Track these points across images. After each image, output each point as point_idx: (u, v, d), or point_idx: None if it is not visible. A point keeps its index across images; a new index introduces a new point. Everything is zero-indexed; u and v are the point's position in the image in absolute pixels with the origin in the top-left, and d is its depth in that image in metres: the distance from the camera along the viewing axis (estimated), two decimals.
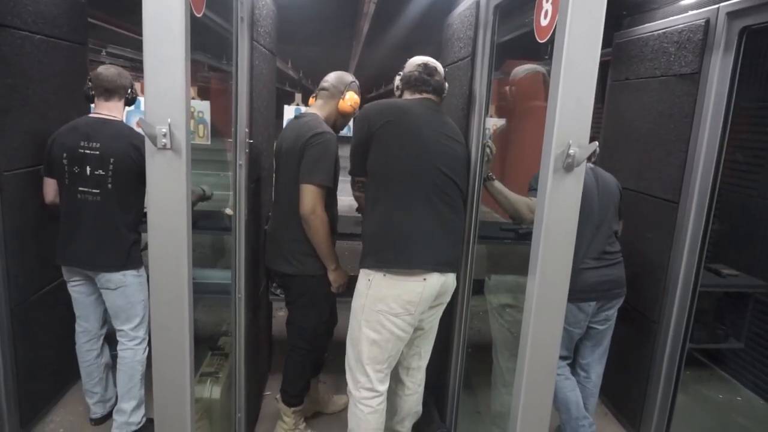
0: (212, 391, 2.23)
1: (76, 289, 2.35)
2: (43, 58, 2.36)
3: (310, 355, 2.45)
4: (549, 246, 1.44)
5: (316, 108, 2.35)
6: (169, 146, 1.27)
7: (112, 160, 2.17)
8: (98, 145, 2.17)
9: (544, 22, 1.55)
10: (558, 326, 1.51)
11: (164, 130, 1.25)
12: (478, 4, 2.15)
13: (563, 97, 1.34)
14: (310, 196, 2.12)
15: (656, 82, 2.62)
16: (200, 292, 2.75)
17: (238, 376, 2.29)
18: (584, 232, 2.29)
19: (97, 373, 2.44)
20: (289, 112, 4.10)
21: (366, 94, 18.55)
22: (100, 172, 2.17)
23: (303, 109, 2.49)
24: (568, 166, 1.37)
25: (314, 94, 2.42)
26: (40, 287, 2.49)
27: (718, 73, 2.25)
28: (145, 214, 2.13)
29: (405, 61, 2.20)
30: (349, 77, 2.40)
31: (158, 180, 1.30)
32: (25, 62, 2.25)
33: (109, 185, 2.19)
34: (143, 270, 2.34)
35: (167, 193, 1.31)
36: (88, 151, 2.18)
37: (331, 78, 2.38)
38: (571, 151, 1.35)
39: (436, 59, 2.15)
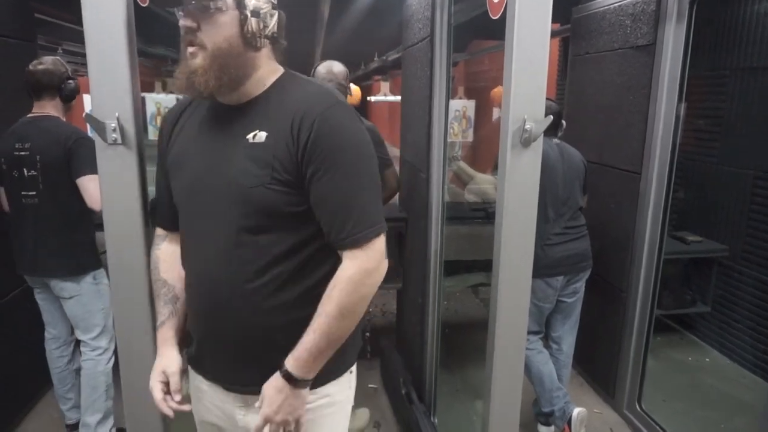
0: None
1: (40, 296, 2.28)
2: None
3: None
4: (511, 220, 1.45)
5: None
6: (120, 141, 1.24)
7: (38, 158, 2.07)
8: (29, 145, 2.07)
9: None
10: (525, 300, 1.54)
11: (113, 124, 1.22)
12: None
13: (516, 73, 1.35)
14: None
15: (615, 55, 2.65)
16: None
17: None
18: (549, 209, 2.32)
19: (69, 379, 2.38)
20: None
21: None
22: (33, 173, 2.07)
23: None
24: (525, 141, 1.39)
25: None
26: (4, 294, 2.42)
27: (672, 44, 2.29)
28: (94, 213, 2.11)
29: (371, 46, 2.20)
30: (341, 66, 2.28)
31: (110, 176, 1.27)
32: None
33: (41, 185, 2.09)
34: (102, 275, 2.24)
35: (120, 190, 1.28)
36: (21, 153, 2.08)
37: (330, 76, 2.22)
38: (527, 126, 1.37)
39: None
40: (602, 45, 2.76)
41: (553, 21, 3.84)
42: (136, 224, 1.30)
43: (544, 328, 2.50)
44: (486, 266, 3.46)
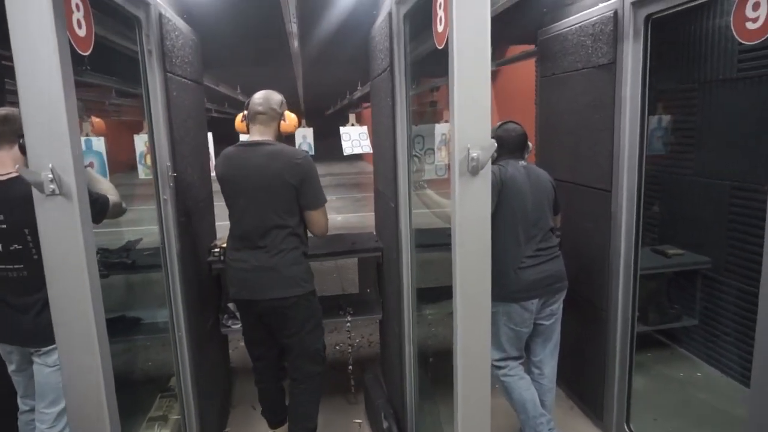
0: None
1: (18, 370, 2.10)
2: None
3: (322, 379, 2.42)
4: (465, 249, 1.44)
5: (259, 134, 2.24)
6: (57, 192, 1.22)
7: (27, 231, 1.82)
8: (1, 217, 1.82)
9: (440, 28, 1.56)
10: (485, 327, 1.51)
11: (50, 175, 1.20)
12: (390, 15, 2.17)
13: (459, 102, 1.35)
14: (324, 216, 2.28)
15: (579, 74, 2.67)
16: (148, 332, 2.67)
17: (188, 417, 2.22)
18: (520, 232, 2.30)
19: None
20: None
21: (325, 111, 18.55)
22: (17, 246, 1.83)
23: (243, 137, 2.37)
24: (473, 170, 1.38)
25: (243, 117, 2.32)
26: None
27: (632, 61, 2.31)
28: None
29: (356, 76, 2.25)
30: (277, 96, 2.32)
31: (51, 229, 1.25)
32: None
33: (34, 256, 1.85)
34: None
35: (62, 243, 1.25)
36: None
37: (263, 100, 2.26)
38: (473, 155, 1.36)
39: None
40: (567, 65, 2.78)
41: (526, 43, 3.90)
42: (80, 276, 1.28)
43: (524, 353, 2.45)
44: None
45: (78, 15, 1.35)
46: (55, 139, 1.21)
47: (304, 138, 5.57)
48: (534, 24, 3.18)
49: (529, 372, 2.48)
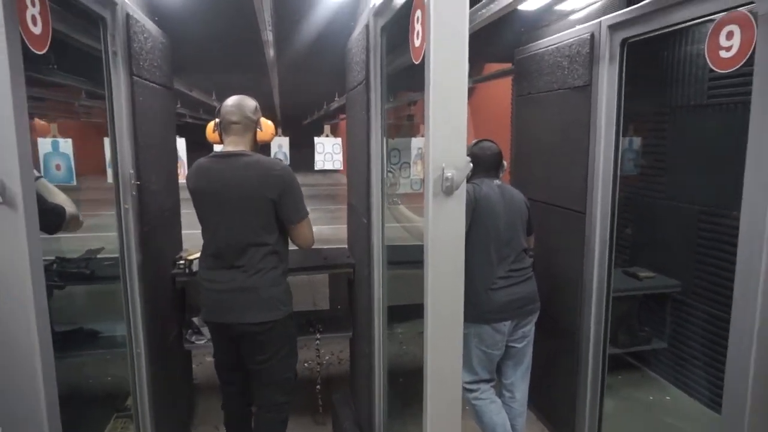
0: None
1: None
2: None
3: (288, 411, 2.26)
4: (438, 270, 1.39)
5: (233, 145, 2.10)
6: (1, 200, 1.13)
7: None
8: None
9: (417, 43, 1.52)
10: (457, 349, 1.46)
11: None
12: (368, 27, 2.13)
13: (434, 120, 1.31)
14: (308, 228, 2.15)
15: (555, 95, 2.68)
16: (107, 346, 2.54)
17: None
18: (492, 252, 2.27)
19: None
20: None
21: (302, 121, 18.43)
22: None
23: (217, 147, 2.24)
24: (448, 190, 1.33)
25: (215, 127, 2.17)
26: None
27: (607, 84, 2.32)
28: None
29: (333, 87, 2.14)
30: (251, 102, 2.17)
31: None
32: None
33: None
34: None
35: (6, 254, 1.16)
36: None
37: (236, 108, 2.11)
38: (448, 174, 1.32)
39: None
40: (543, 85, 2.79)
41: (503, 61, 3.90)
42: (24, 289, 1.19)
43: (495, 375, 2.41)
44: None
45: (33, 11, 1.26)
46: (1, 145, 1.12)
47: (280, 147, 5.49)
48: (511, 43, 3.19)
49: (500, 395, 2.43)
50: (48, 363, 1.25)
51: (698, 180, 3.06)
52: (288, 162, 5.37)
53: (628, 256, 3.61)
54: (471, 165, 1.32)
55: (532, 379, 2.54)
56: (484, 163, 2.42)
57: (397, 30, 2.00)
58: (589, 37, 2.37)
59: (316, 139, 5.02)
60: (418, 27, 1.51)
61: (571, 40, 2.50)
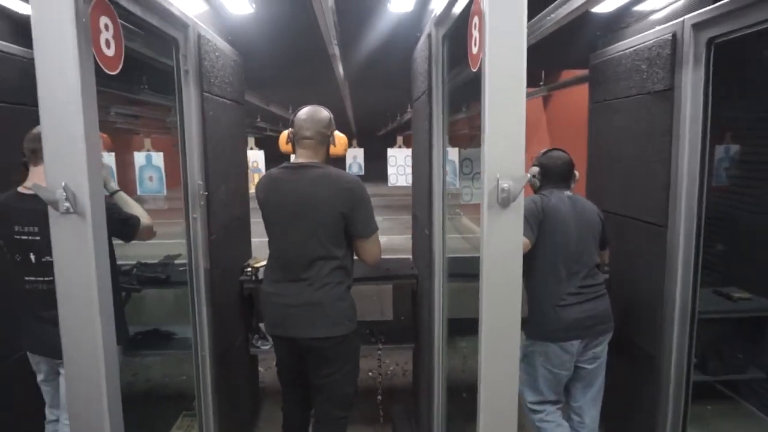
0: None
1: (47, 380, 2.13)
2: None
3: (346, 426, 2.23)
4: (492, 284, 1.32)
5: (305, 157, 2.08)
6: (72, 210, 1.21)
7: None
8: (37, 230, 1.82)
9: (474, 50, 1.47)
10: (512, 368, 1.37)
11: (63, 194, 1.19)
12: (430, 36, 2.10)
13: (490, 128, 1.25)
14: (377, 244, 2.11)
15: (632, 101, 2.51)
16: (180, 347, 2.65)
17: None
18: (561, 267, 2.15)
19: None
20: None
21: (377, 132, 18.67)
22: (49, 258, 1.72)
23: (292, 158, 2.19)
24: (504, 201, 1.27)
25: (289, 137, 2.12)
26: (11, 353, 2.43)
27: (691, 88, 2.13)
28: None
29: (406, 97, 2.07)
30: (325, 113, 2.12)
31: (63, 247, 1.23)
32: None
33: None
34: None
35: (74, 261, 1.24)
36: (25, 237, 1.84)
37: (310, 123, 2.07)
38: (504, 185, 1.25)
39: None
40: (620, 91, 2.62)
41: (580, 67, 3.74)
42: (90, 294, 1.25)
43: (563, 397, 2.27)
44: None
45: (107, 35, 1.35)
46: (71, 158, 1.20)
47: (355, 158, 5.58)
48: (587, 47, 3.03)
49: (568, 419, 2.29)
50: (112, 365, 1.31)
51: None
52: (362, 173, 5.44)
53: (722, 275, 3.30)
54: (528, 176, 1.25)
55: (607, 405, 2.36)
56: (553, 173, 2.31)
57: (460, 38, 1.96)
58: (670, 38, 2.19)
59: (389, 151, 5.03)
60: (475, 34, 1.46)
61: (651, 41, 2.33)
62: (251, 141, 3.74)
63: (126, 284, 2.51)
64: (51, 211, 1.22)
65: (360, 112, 8.85)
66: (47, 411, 2.24)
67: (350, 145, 5.98)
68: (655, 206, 2.34)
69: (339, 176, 2.04)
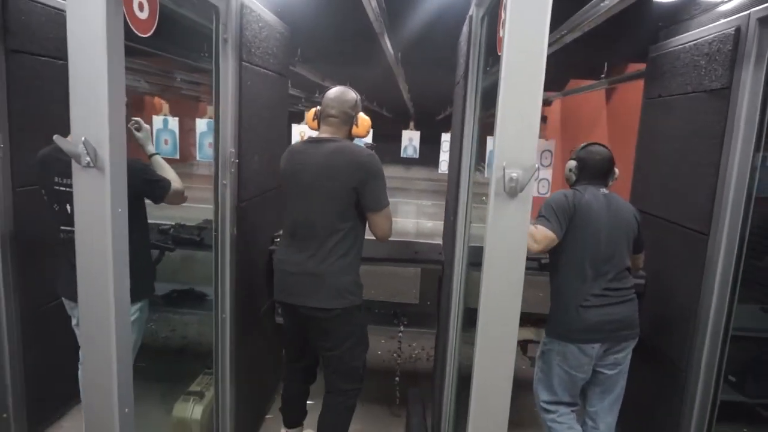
0: (193, 411, 2.22)
1: (75, 322, 2.25)
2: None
3: (356, 398, 2.28)
4: (493, 274, 1.29)
5: (327, 133, 2.14)
6: (92, 164, 1.27)
7: None
8: (71, 181, 1.99)
9: (501, 33, 1.42)
10: (508, 363, 1.35)
11: (83, 148, 1.25)
12: (471, 17, 2.04)
13: (503, 115, 1.21)
14: (387, 219, 2.13)
15: (687, 98, 2.36)
16: (210, 308, 2.76)
17: (222, 397, 2.26)
18: (588, 267, 2.07)
19: None
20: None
21: (436, 116, 18.44)
22: None
23: (312, 133, 2.26)
24: (511, 191, 1.23)
25: (314, 118, 2.21)
26: (53, 298, 2.62)
27: (750, 88, 1.98)
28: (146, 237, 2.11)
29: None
30: (351, 94, 2.19)
31: (83, 199, 1.30)
32: (45, 86, 2.41)
33: None
34: (147, 306, 2.13)
35: (92, 214, 1.30)
36: (63, 189, 1.93)
37: (336, 102, 2.14)
38: (513, 175, 1.22)
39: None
40: (675, 87, 2.47)
41: (638, 60, 3.53)
42: (105, 246, 1.32)
43: (578, 400, 2.20)
44: (538, 321, 3.18)
45: None
46: (94, 114, 1.26)
47: (411, 141, 5.54)
48: (650, 39, 2.87)
49: (582, 423, 2.23)
50: (122, 315, 1.38)
51: None
52: (417, 156, 5.39)
53: None
54: (537, 167, 1.21)
55: (627, 414, 2.28)
56: (591, 168, 2.21)
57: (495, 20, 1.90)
58: (733, 32, 2.04)
59: (444, 136, 4.96)
60: (503, 15, 1.41)
61: (712, 35, 2.18)
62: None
63: (161, 242, 2.64)
64: (73, 164, 1.28)
65: (417, 95, 8.75)
66: (81, 354, 2.40)
67: (407, 127, 5.92)
68: (698, 212, 2.21)
69: (354, 150, 2.09)
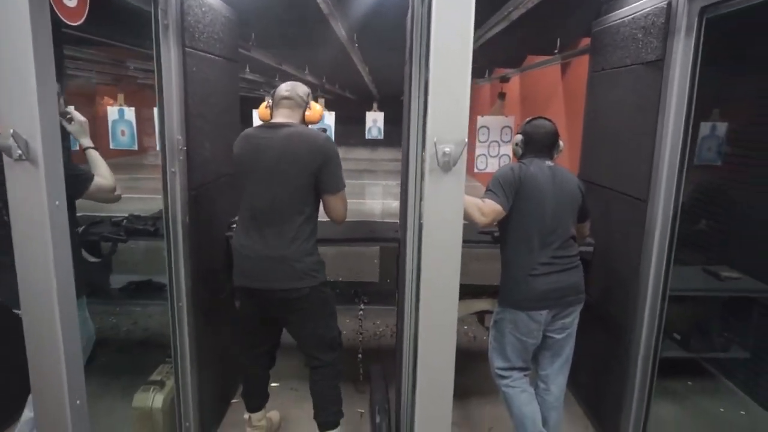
0: (154, 400, 2.23)
1: None
2: None
3: (341, 363, 2.36)
4: (431, 248, 1.34)
5: (285, 117, 2.19)
6: (24, 157, 1.26)
7: None
8: None
9: None
10: (449, 331, 1.41)
11: (13, 141, 1.23)
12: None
13: (434, 91, 1.25)
14: (343, 202, 2.19)
15: (627, 71, 2.44)
16: (166, 298, 2.75)
17: (183, 385, 2.28)
18: (535, 237, 2.15)
19: None
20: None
21: (400, 97, 18.49)
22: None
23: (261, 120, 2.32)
24: (445, 166, 1.28)
25: (268, 104, 2.26)
26: None
27: (681, 59, 2.07)
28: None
29: None
30: (304, 87, 2.27)
31: (18, 195, 1.29)
32: None
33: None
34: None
35: (28, 208, 1.29)
36: None
37: (289, 87, 2.22)
38: (446, 149, 1.26)
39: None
40: (616, 60, 2.55)
41: (587, 36, 3.61)
42: (44, 238, 1.32)
43: (530, 364, 2.30)
44: (495, 293, 3.27)
45: None
46: (23, 105, 1.24)
47: (375, 122, 5.51)
48: (588, 14, 2.94)
49: (535, 386, 2.33)
50: (67, 308, 1.38)
51: None
52: (381, 137, 5.39)
53: (716, 255, 3.25)
54: (466, 142, 1.25)
55: (582, 373, 2.40)
56: (536, 141, 2.28)
57: None
58: (665, 6, 2.11)
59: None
60: None
61: (647, 9, 2.25)
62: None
63: (114, 234, 2.61)
64: (5, 158, 1.27)
65: (378, 76, 8.72)
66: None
67: (371, 108, 5.90)
68: (638, 180, 2.31)
69: (311, 133, 2.13)
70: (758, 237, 2.95)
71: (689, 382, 3.14)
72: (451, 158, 1.26)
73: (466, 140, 1.25)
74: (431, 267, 1.35)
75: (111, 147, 2.63)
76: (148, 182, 11.48)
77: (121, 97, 2.42)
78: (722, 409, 2.93)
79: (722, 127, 3.04)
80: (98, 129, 3.11)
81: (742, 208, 3.06)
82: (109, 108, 2.44)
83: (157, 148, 2.11)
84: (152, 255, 3.43)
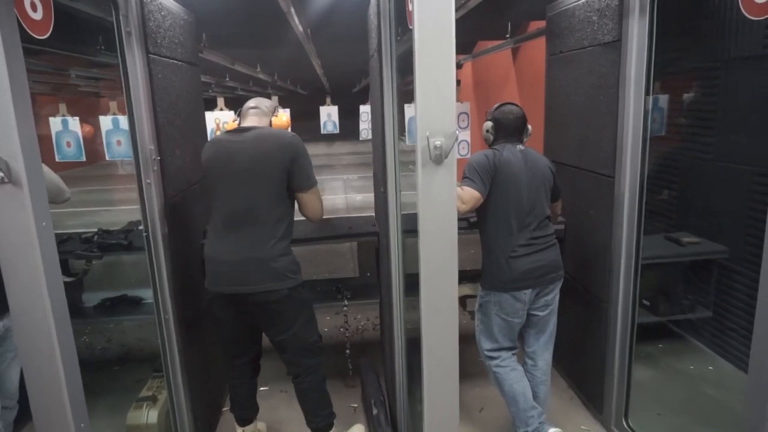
0: (149, 416, 2.19)
1: None
2: None
3: (324, 366, 2.34)
4: (429, 240, 1.38)
5: (252, 123, 2.20)
6: (7, 180, 1.21)
7: None
8: None
9: (410, 7, 1.47)
10: (451, 319, 1.45)
11: None
12: None
13: (421, 86, 1.28)
14: (317, 198, 2.20)
15: (585, 53, 2.53)
16: (148, 312, 2.70)
17: (176, 398, 2.25)
18: (513, 220, 2.22)
19: None
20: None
21: (352, 89, 18.39)
22: None
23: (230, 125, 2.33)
24: (437, 158, 1.31)
25: (235, 119, 2.32)
26: None
27: (637, 39, 2.17)
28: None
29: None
30: (270, 101, 2.34)
31: (2, 217, 1.24)
32: None
33: None
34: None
35: (15, 232, 1.25)
36: None
37: (257, 101, 2.29)
38: (437, 143, 1.29)
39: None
40: (574, 43, 2.64)
41: (538, 19, 3.71)
42: (34, 260, 1.28)
43: (517, 343, 2.38)
44: (474, 277, 3.34)
45: None
46: (2, 126, 1.19)
47: (329, 116, 5.48)
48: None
49: (522, 363, 2.41)
50: (64, 331, 1.34)
51: (752, 139, 2.83)
52: (337, 131, 5.38)
53: (674, 221, 3.43)
54: (458, 134, 1.29)
55: (561, 347, 2.49)
56: (506, 127, 2.34)
57: None
58: None
59: (362, 108, 4.95)
60: None
61: None
62: (221, 101, 3.69)
63: (87, 251, 2.52)
64: None
65: (331, 70, 8.68)
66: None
67: (324, 102, 5.86)
68: (604, 158, 2.41)
69: (277, 132, 2.17)
70: (711, 203, 3.14)
71: (660, 345, 3.32)
72: (442, 151, 1.29)
73: (457, 132, 1.28)
74: (431, 256, 1.38)
75: (57, 160, 2.53)
76: (101, 194, 11.09)
77: (63, 106, 2.33)
78: (692, 367, 3.11)
79: (664, 99, 3.20)
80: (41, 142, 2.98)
81: (697, 176, 3.24)
82: (51, 119, 2.34)
83: (107, 157, 2.03)
84: (123, 269, 3.34)
